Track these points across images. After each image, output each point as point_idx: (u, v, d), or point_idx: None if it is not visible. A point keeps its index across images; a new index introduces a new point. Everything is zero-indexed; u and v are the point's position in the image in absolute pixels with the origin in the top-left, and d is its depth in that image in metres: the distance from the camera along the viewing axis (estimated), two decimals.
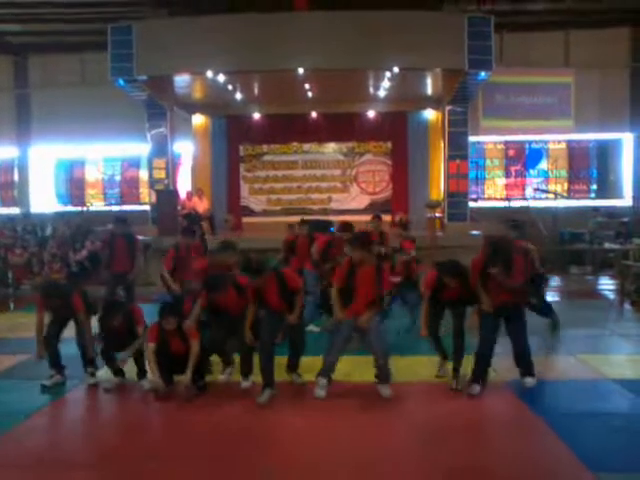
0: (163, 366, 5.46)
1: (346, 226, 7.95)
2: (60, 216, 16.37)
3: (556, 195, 16.91)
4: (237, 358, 5.88)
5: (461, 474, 3.98)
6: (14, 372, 6.43)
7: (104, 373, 5.96)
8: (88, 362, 5.92)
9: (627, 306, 10.04)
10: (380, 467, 4.09)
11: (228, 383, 5.91)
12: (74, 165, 19.33)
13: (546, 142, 17.90)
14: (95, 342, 5.87)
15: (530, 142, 17.91)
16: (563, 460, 4.20)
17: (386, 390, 5.46)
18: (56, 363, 5.91)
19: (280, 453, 4.38)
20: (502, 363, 5.79)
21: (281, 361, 5.79)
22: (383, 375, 5.49)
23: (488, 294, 5.47)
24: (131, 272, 8.77)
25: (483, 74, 12.97)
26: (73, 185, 19.39)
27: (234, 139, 17.50)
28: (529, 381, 5.52)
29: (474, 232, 13.81)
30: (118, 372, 5.88)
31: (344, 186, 17.46)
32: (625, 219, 15.69)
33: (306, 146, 17.48)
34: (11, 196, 19.59)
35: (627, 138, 17.45)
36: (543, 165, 18.05)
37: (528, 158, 18.06)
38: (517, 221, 7.62)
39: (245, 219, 17.35)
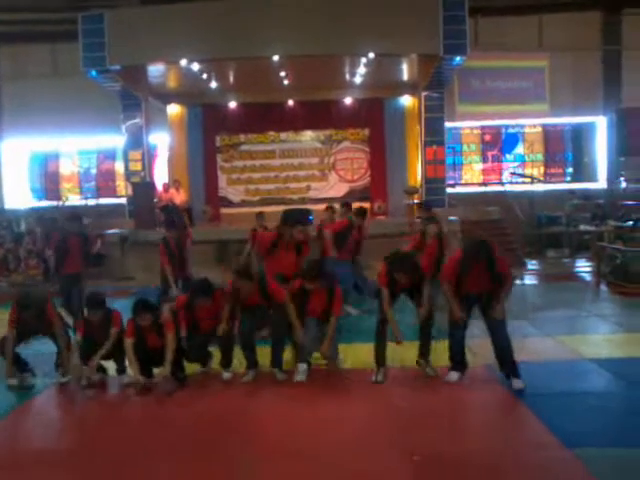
0: (141, 360, 5.41)
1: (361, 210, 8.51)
2: (34, 211, 16.14)
3: (532, 179, 17.06)
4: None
5: (441, 458, 4.00)
6: None
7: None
8: (60, 364, 5.82)
9: (603, 287, 10.18)
10: (362, 453, 4.11)
11: (208, 375, 5.89)
12: (48, 158, 19.03)
13: (522, 126, 18.03)
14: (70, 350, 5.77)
15: (506, 127, 18.03)
16: (540, 438, 4.25)
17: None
18: (20, 367, 5.80)
19: (261, 442, 4.38)
20: (480, 345, 5.82)
21: (263, 351, 5.81)
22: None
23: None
24: (83, 272, 8.13)
25: (458, 59, 13.01)
26: (48, 179, 19.10)
27: (210, 129, 17.34)
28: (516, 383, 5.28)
29: (452, 218, 13.87)
30: (98, 369, 5.81)
31: (322, 174, 17.43)
32: (600, 201, 15.89)
33: (283, 135, 17.39)
34: None
35: (600, 121, 17.64)
36: (519, 149, 18.19)
37: (504, 143, 18.18)
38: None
39: (223, 210, 17.25)
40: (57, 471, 4.00)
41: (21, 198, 18.65)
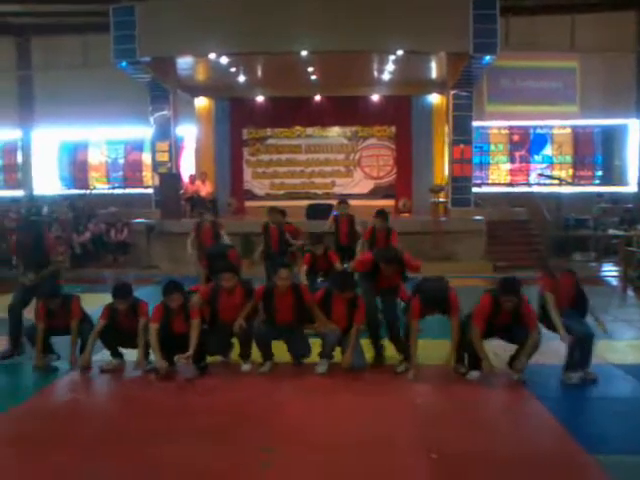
0: (165, 347, 5.47)
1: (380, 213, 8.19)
2: (64, 199, 16.39)
3: (560, 181, 16.85)
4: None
5: (459, 457, 3.98)
6: None
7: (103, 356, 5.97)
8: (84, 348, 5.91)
9: (630, 292, 10.03)
10: (378, 447, 4.11)
11: (228, 365, 5.94)
12: (77, 148, 19.30)
13: (551, 127, 17.80)
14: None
15: (535, 127, 17.82)
16: (560, 442, 4.21)
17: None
18: (46, 350, 5.89)
19: (279, 431, 4.40)
20: (501, 346, 5.77)
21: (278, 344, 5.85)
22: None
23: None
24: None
25: (488, 58, 12.87)
26: (76, 168, 19.37)
27: (237, 122, 17.42)
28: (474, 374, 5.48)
29: (477, 217, 13.78)
30: (117, 354, 5.89)
31: (347, 170, 17.41)
32: (629, 205, 15.64)
33: (310, 130, 17.40)
34: (15, 178, 19.60)
35: (633, 124, 17.34)
36: (547, 151, 17.96)
37: (532, 143, 17.97)
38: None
39: (248, 203, 17.33)
40: (75, 452, 4.05)
41: (50, 186, 18.96)
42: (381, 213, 8.17)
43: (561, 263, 5.33)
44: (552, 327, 5.35)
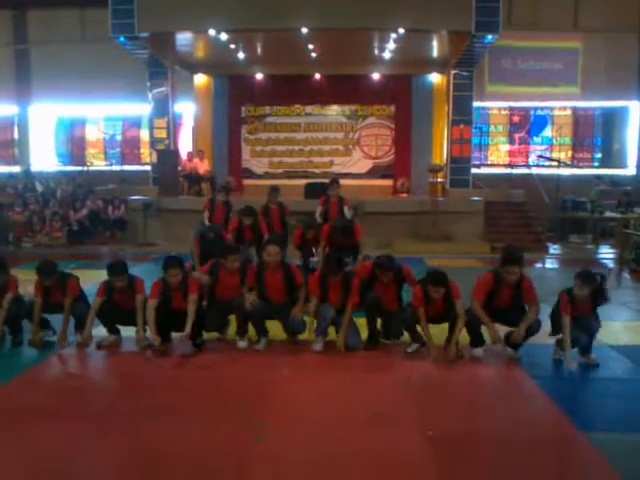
0: (162, 323, 5.48)
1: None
2: (63, 175, 16.34)
3: (559, 163, 16.79)
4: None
5: (455, 435, 4.02)
6: None
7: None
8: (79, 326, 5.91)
9: (626, 275, 10.06)
10: (373, 424, 4.14)
11: (224, 342, 5.96)
12: (75, 124, 19.21)
13: (551, 109, 17.73)
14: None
15: (535, 109, 17.74)
16: (554, 420, 4.25)
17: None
18: (42, 325, 5.89)
19: (276, 408, 4.42)
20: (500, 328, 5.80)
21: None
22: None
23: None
24: None
25: (490, 37, 12.75)
26: (74, 144, 19.30)
27: (236, 100, 17.29)
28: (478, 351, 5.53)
29: (475, 198, 13.77)
30: (113, 330, 5.90)
31: (346, 150, 17.33)
32: (628, 188, 15.62)
33: (309, 108, 17.29)
34: (11, 154, 19.50)
35: (634, 106, 17.26)
36: (547, 132, 17.91)
37: (532, 125, 17.91)
38: None
39: (246, 181, 17.26)
40: (72, 427, 4.08)
41: (47, 161, 18.87)
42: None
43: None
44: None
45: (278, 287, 5.77)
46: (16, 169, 18.40)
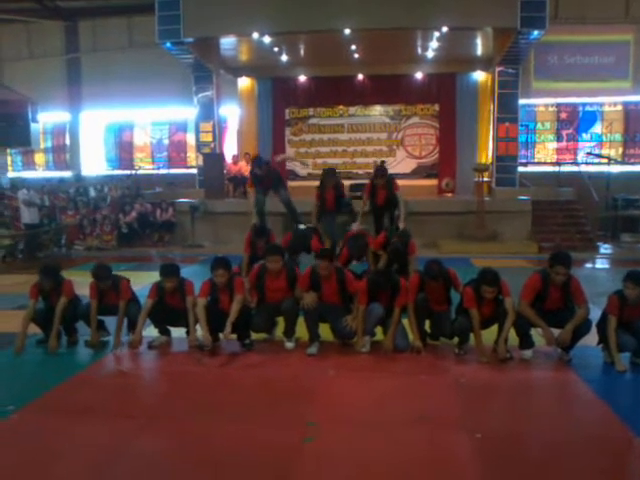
0: (211, 323, 5.57)
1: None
2: (112, 179, 16.78)
3: (610, 160, 16.35)
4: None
5: (504, 437, 3.97)
6: None
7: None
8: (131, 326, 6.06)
9: None
10: (421, 426, 4.13)
11: (272, 343, 6.02)
12: (123, 129, 19.66)
13: (601, 104, 17.24)
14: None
15: (584, 104, 17.28)
16: (608, 425, 4.14)
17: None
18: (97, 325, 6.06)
19: (325, 409, 4.44)
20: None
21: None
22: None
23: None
24: None
25: (536, 33, 12.51)
26: (122, 149, 19.76)
27: (280, 102, 17.43)
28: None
29: (522, 197, 13.53)
30: (164, 331, 6.04)
31: (390, 150, 17.26)
32: None
33: (352, 109, 17.29)
34: (63, 159, 20.13)
35: None
36: (597, 128, 17.43)
37: (581, 121, 17.46)
38: None
39: (291, 183, 17.28)
40: (125, 426, 4.20)
41: (97, 166, 19.41)
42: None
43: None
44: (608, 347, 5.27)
45: (332, 292, 5.79)
46: (67, 174, 19.01)
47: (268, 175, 9.32)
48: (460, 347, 5.61)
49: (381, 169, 9.49)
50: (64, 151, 20.13)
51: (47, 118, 19.25)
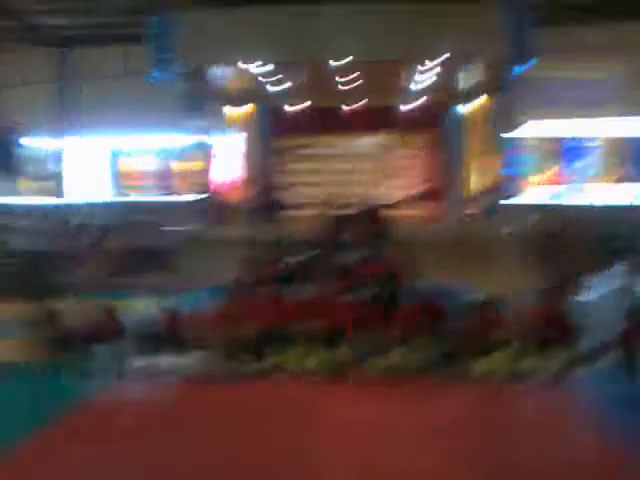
0: None
1: None
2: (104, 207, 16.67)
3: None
4: None
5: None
6: None
7: None
8: None
9: None
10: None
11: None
12: (121, 155, 19.61)
13: (590, 138, 17.33)
14: None
15: (572, 138, 17.41)
16: None
17: None
18: None
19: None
20: None
21: None
22: None
23: None
24: None
25: (525, 66, 12.69)
26: (118, 175, 19.66)
27: (273, 131, 17.52)
28: None
29: (506, 229, 13.55)
30: None
31: (381, 179, 17.33)
32: None
33: (345, 139, 17.41)
34: (51, 186, 19.92)
35: None
36: (585, 161, 17.54)
37: (569, 154, 17.58)
38: None
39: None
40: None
41: (95, 193, 19.30)
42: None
43: None
44: None
45: None
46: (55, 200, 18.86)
47: None
48: None
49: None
50: (54, 177, 20.00)
51: (37, 144, 19.20)
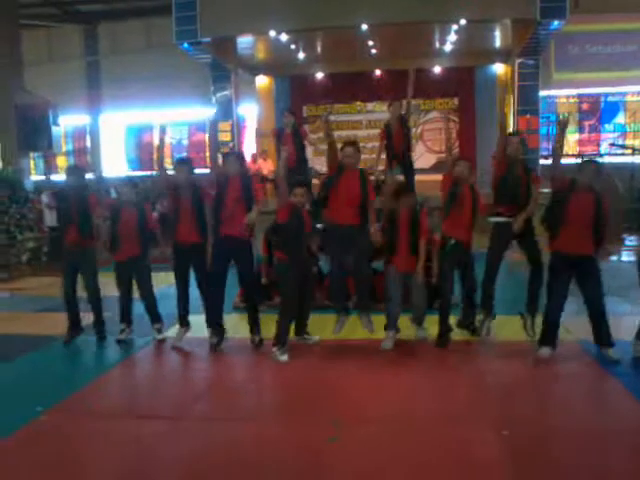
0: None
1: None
2: (131, 181, 16.82)
3: (634, 150, 16.05)
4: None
5: (531, 434, 3.92)
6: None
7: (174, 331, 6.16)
8: (155, 319, 6.18)
9: None
10: (447, 423, 4.09)
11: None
12: (142, 130, 19.79)
13: (624, 94, 16.95)
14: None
15: (606, 95, 17.01)
16: (636, 418, 4.08)
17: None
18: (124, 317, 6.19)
19: (349, 408, 4.42)
20: (575, 323, 5.62)
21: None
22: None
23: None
24: None
25: (556, 23, 12.29)
26: (142, 150, 19.90)
27: (297, 100, 17.40)
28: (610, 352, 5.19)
29: (545, 190, 13.33)
30: (184, 322, 6.04)
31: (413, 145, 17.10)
32: None
33: (370, 105, 17.21)
34: (84, 162, 20.31)
35: None
36: (620, 119, 17.15)
37: (603, 112, 17.20)
38: None
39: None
40: (151, 426, 4.22)
41: (118, 168, 19.57)
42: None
43: None
44: None
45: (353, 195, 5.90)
46: (90, 176, 19.16)
47: None
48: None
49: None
50: (85, 153, 20.33)
51: (68, 121, 19.42)
